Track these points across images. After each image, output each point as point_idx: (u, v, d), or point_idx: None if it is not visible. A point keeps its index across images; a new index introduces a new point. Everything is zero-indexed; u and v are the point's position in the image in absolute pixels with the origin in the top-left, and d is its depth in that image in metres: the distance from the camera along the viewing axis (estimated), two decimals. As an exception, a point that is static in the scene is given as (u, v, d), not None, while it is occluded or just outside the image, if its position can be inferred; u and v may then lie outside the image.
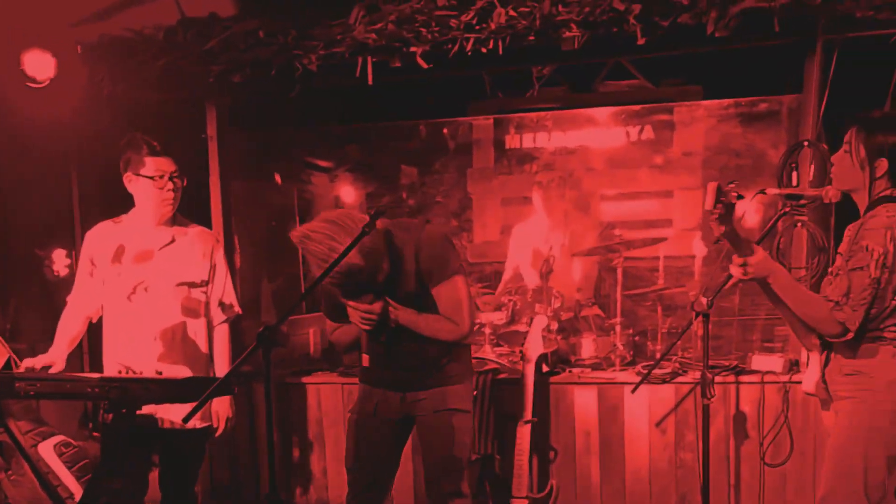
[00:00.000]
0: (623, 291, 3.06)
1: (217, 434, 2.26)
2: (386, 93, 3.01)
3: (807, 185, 2.58)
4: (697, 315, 2.17)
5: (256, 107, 3.37)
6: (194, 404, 1.60)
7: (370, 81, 2.79)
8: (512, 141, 4.12)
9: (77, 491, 2.57)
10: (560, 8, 2.57)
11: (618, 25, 2.54)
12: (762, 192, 2.02)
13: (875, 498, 1.67)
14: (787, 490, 2.63)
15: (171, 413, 2.15)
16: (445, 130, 4.23)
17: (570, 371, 2.84)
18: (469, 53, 2.66)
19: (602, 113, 3.98)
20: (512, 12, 2.60)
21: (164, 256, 2.20)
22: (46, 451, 2.63)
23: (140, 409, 1.93)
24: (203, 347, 2.26)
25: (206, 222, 3.04)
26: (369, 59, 2.76)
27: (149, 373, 2.13)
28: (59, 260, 3.28)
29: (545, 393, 2.75)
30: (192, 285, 2.22)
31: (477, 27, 2.64)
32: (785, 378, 2.61)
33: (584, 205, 3.82)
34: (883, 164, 1.71)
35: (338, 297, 1.90)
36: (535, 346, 2.63)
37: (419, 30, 2.68)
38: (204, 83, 2.98)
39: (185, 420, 1.61)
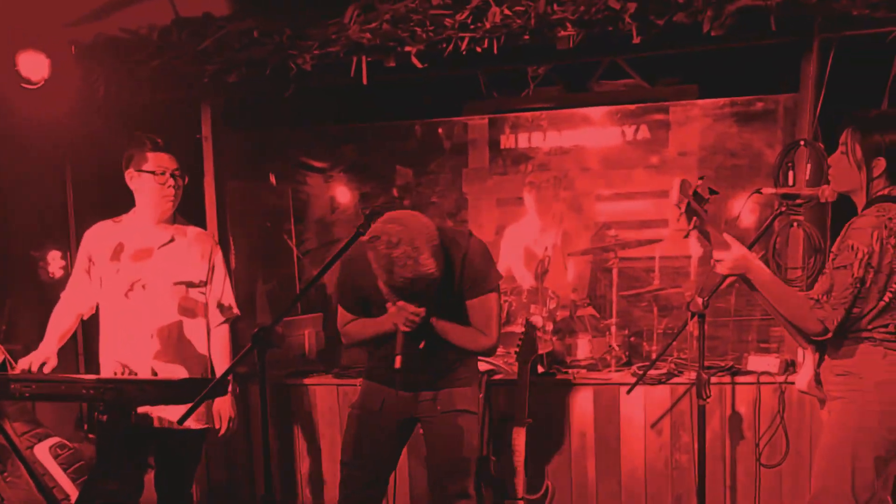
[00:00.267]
0: (619, 292, 3.06)
1: (220, 434, 2.27)
2: (381, 93, 3.01)
3: (803, 185, 2.58)
4: (693, 315, 2.16)
5: (251, 107, 3.36)
6: (190, 405, 1.59)
7: (365, 81, 2.78)
8: (507, 141, 4.12)
9: (73, 493, 2.56)
10: (555, 7, 2.56)
11: (613, 24, 2.53)
12: (758, 191, 2.01)
13: (863, 499, 1.67)
14: (782, 491, 2.63)
15: (167, 412, 2.15)
16: (440, 130, 4.23)
17: (565, 372, 2.84)
18: (464, 53, 2.65)
19: (597, 112, 3.98)
20: (507, 11, 2.59)
21: (162, 255, 2.21)
22: (42, 452, 2.63)
23: (135, 410, 1.93)
24: (200, 348, 2.27)
25: (200, 223, 3.04)
26: (364, 58, 2.75)
27: (145, 371, 2.13)
28: (54, 261, 3.28)
29: (541, 394, 2.74)
30: (189, 285, 2.23)
31: (472, 26, 2.63)
32: (781, 379, 2.61)
33: (579, 205, 3.82)
34: (880, 164, 1.70)
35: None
36: (530, 347, 2.62)
37: (414, 29, 2.68)
38: (198, 83, 2.97)
39: (181, 421, 1.61)
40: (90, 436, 3.07)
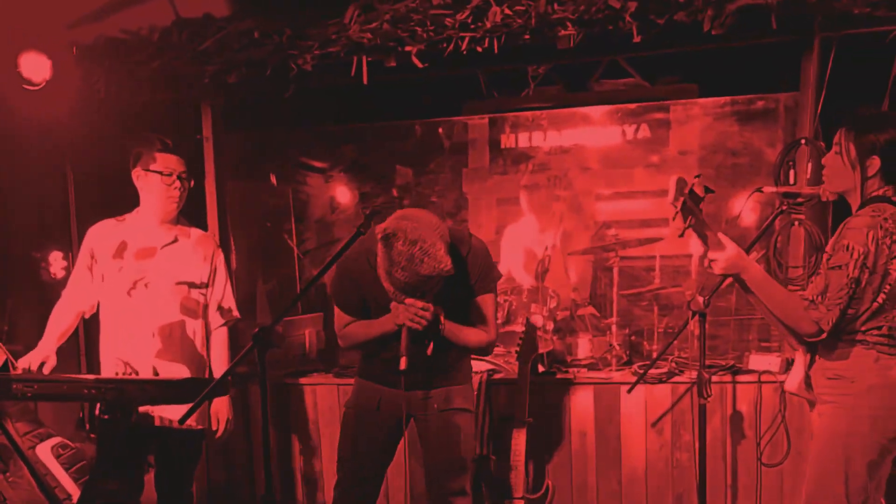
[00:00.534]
0: (619, 291, 3.06)
1: (217, 436, 2.27)
2: (381, 92, 3.01)
3: (804, 184, 2.57)
4: (694, 314, 2.16)
5: (251, 107, 3.37)
6: (190, 405, 1.60)
7: (365, 81, 2.78)
8: (507, 140, 4.12)
9: (75, 492, 2.57)
10: (555, 6, 2.56)
11: (613, 23, 2.53)
12: (759, 190, 2.00)
13: (857, 503, 1.66)
14: (783, 490, 2.63)
15: (168, 411, 2.15)
16: (440, 130, 4.23)
17: (566, 371, 2.84)
18: (464, 52, 2.65)
19: (598, 112, 3.98)
20: (507, 11, 2.59)
21: (166, 255, 2.22)
22: (44, 452, 2.63)
23: (136, 410, 1.94)
24: (200, 348, 2.28)
25: (201, 223, 3.05)
26: (364, 58, 2.76)
27: (146, 369, 2.14)
28: (56, 262, 3.28)
29: (541, 393, 2.74)
30: (191, 285, 2.24)
31: (472, 26, 2.63)
32: (782, 378, 2.60)
33: (579, 204, 3.82)
34: (875, 163, 1.69)
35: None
36: (531, 347, 2.62)
37: (414, 29, 2.68)
38: (199, 84, 2.97)
39: (182, 421, 1.61)
40: (92, 436, 3.08)
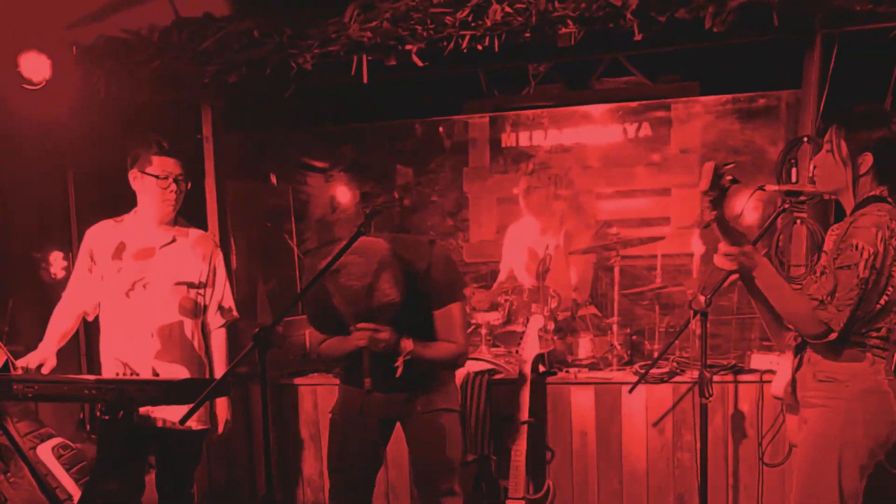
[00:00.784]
0: (620, 290, 3.05)
1: (215, 436, 2.27)
2: (381, 92, 3.00)
3: (806, 182, 2.54)
4: (695, 314, 2.15)
5: (251, 107, 3.37)
6: (191, 405, 1.59)
7: (365, 80, 2.78)
8: (508, 139, 4.12)
9: (76, 493, 2.56)
10: (556, 4, 2.55)
11: (614, 21, 2.52)
12: (761, 188, 1.98)
13: None
14: (785, 490, 2.62)
15: (168, 412, 2.15)
16: (441, 129, 4.23)
17: (566, 371, 2.83)
18: (464, 51, 2.65)
19: (599, 110, 3.97)
20: (508, 9, 2.58)
21: (164, 255, 2.22)
22: (45, 453, 2.63)
23: (137, 410, 1.93)
24: (199, 348, 2.27)
25: (201, 223, 3.04)
26: (364, 57, 2.75)
27: (146, 370, 2.13)
28: (56, 262, 3.28)
29: (542, 393, 2.74)
30: (190, 285, 2.24)
31: (472, 24, 2.62)
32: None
33: (580, 203, 3.81)
34: (867, 159, 1.66)
35: (340, 311, 1.87)
36: (531, 347, 2.62)
37: (414, 27, 2.67)
38: (199, 84, 2.97)
39: (182, 421, 1.61)
40: (92, 436, 3.08)
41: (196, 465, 2.36)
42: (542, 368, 2.77)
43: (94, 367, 2.94)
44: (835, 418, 1.66)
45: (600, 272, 3.48)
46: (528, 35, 2.60)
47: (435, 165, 4.23)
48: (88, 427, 3.18)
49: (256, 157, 3.89)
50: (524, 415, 2.57)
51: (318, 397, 2.97)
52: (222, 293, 2.31)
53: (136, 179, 2.18)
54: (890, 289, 1.62)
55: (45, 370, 2.11)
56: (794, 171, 2.62)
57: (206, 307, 2.28)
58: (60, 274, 3.26)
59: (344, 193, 4.37)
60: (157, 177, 2.15)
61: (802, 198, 2.16)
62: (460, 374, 2.76)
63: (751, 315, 3.20)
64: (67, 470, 2.61)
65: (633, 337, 3.15)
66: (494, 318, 3.01)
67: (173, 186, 2.17)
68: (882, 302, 1.63)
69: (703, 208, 1.58)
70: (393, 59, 2.73)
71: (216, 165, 3.15)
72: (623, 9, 2.48)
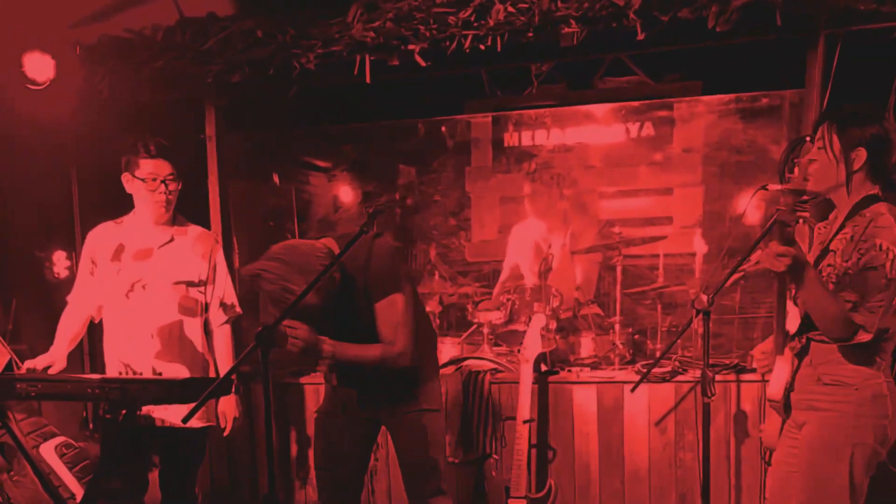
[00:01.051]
0: (623, 290, 3.05)
1: (225, 434, 2.27)
2: (384, 91, 3.00)
3: (801, 181, 2.55)
4: (698, 313, 2.13)
5: (254, 107, 3.37)
6: (193, 404, 1.60)
7: (368, 80, 2.78)
8: (510, 139, 4.12)
9: (78, 492, 2.57)
10: (559, 4, 2.55)
11: (617, 21, 2.52)
12: (764, 187, 1.97)
13: None
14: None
15: (170, 413, 2.16)
16: (443, 129, 4.24)
17: (568, 370, 2.83)
18: (467, 51, 2.65)
19: (601, 110, 3.97)
20: (510, 9, 2.58)
21: (162, 255, 2.22)
22: (48, 451, 2.64)
23: (140, 409, 1.94)
24: (200, 347, 2.27)
25: (204, 222, 3.04)
26: (367, 57, 2.75)
27: (146, 371, 2.14)
28: (60, 261, 3.29)
29: (544, 392, 2.74)
30: (189, 284, 2.24)
31: (475, 24, 2.63)
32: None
33: (583, 203, 3.81)
34: (861, 155, 1.65)
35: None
36: (533, 346, 2.62)
37: (417, 27, 2.67)
38: (202, 83, 2.98)
39: (185, 420, 1.61)
40: (95, 435, 3.09)
41: (199, 464, 2.36)
42: (544, 367, 2.77)
43: (97, 366, 2.95)
44: (844, 422, 1.64)
45: (603, 271, 3.48)
46: (530, 35, 2.60)
47: (437, 165, 4.24)
48: (91, 426, 3.19)
49: (259, 156, 3.89)
50: (526, 414, 2.57)
51: (320, 396, 2.96)
52: (224, 290, 2.31)
53: (128, 183, 2.19)
54: None
55: (52, 373, 2.12)
56: (796, 170, 2.62)
57: (207, 305, 2.29)
58: (64, 273, 3.27)
59: (346, 193, 4.37)
60: (143, 180, 2.15)
61: (805, 197, 2.15)
62: (462, 372, 2.78)
63: (753, 314, 3.20)
64: (70, 469, 2.62)
65: (636, 336, 3.15)
66: (496, 317, 3.01)
67: (162, 188, 2.16)
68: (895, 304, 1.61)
69: (788, 205, 1.52)
70: (396, 58, 2.73)
71: (219, 165, 3.15)
72: (626, 8, 2.48)
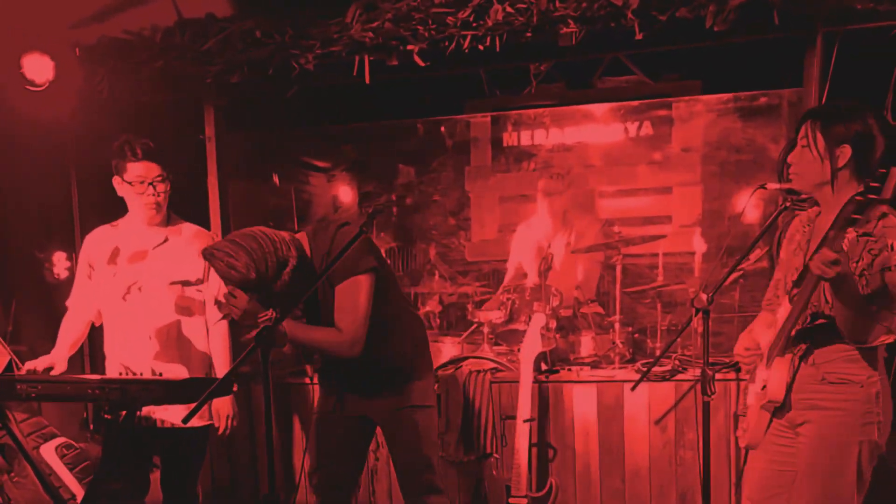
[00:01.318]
0: (622, 289, 3.05)
1: (220, 432, 2.27)
2: (383, 91, 3.01)
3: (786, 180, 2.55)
4: (697, 312, 2.14)
5: (254, 107, 3.37)
6: (194, 405, 1.60)
7: (367, 80, 2.78)
8: (509, 138, 4.13)
9: (79, 492, 2.57)
10: (557, 4, 2.56)
11: (615, 20, 2.53)
12: (762, 186, 1.98)
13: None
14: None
15: (170, 414, 2.16)
16: (443, 129, 4.24)
17: (569, 369, 2.84)
18: (466, 51, 2.65)
19: (600, 109, 3.98)
20: (509, 9, 2.59)
21: (157, 256, 2.22)
22: (48, 452, 2.64)
23: (140, 410, 1.94)
24: (199, 346, 2.27)
25: (204, 222, 3.04)
26: (366, 57, 2.76)
27: (147, 373, 2.14)
28: (60, 262, 3.29)
29: (544, 391, 2.74)
30: (185, 284, 2.23)
31: (474, 24, 2.63)
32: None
33: (582, 202, 3.81)
34: (846, 151, 1.64)
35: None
36: (533, 345, 2.62)
37: (416, 27, 2.68)
38: (201, 84, 2.98)
39: (185, 421, 1.61)
40: (96, 436, 3.09)
41: (200, 464, 2.36)
42: (544, 367, 2.77)
43: (98, 367, 2.95)
44: (851, 419, 1.65)
45: (603, 271, 3.48)
46: (529, 35, 2.60)
47: (437, 165, 4.24)
48: (92, 427, 3.18)
49: (258, 156, 3.89)
50: (526, 413, 2.57)
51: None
52: (218, 288, 2.28)
53: (119, 186, 2.19)
54: None
55: (53, 374, 2.12)
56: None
57: (203, 303, 2.28)
58: (64, 274, 3.27)
59: (346, 193, 4.37)
60: (130, 183, 2.15)
61: (804, 196, 2.16)
62: (462, 372, 2.78)
63: (753, 313, 3.19)
64: (71, 469, 2.62)
65: (636, 335, 3.15)
66: (496, 316, 3.02)
67: (150, 190, 2.15)
68: None
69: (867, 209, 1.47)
70: (395, 59, 2.74)
71: (219, 165, 3.16)
72: (624, 8, 2.48)
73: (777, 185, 2.07)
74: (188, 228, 2.30)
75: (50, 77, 2.71)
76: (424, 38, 2.67)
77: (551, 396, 2.76)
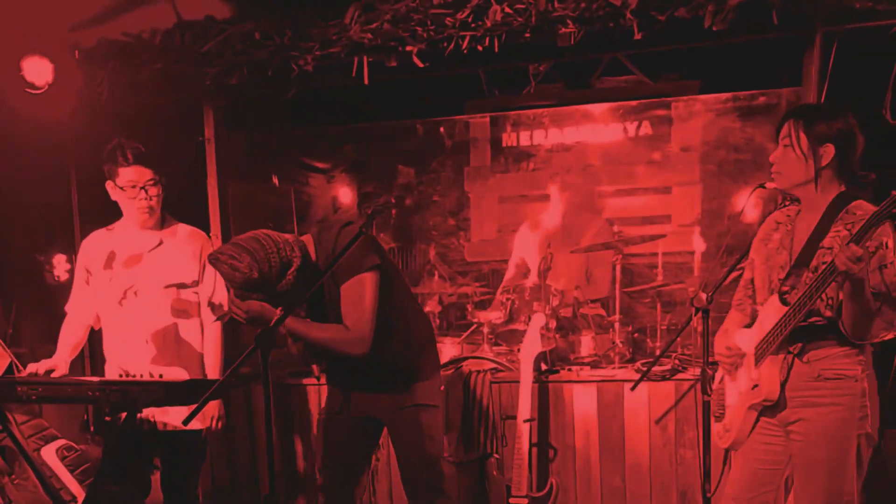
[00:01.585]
0: (622, 288, 3.05)
1: (203, 434, 2.26)
2: (382, 92, 3.01)
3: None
4: (697, 311, 2.15)
5: (253, 108, 3.37)
6: (194, 406, 1.60)
7: (366, 81, 2.79)
8: (509, 139, 4.13)
9: (80, 494, 2.57)
10: (556, 4, 2.56)
11: (614, 20, 2.53)
12: (761, 185, 1.98)
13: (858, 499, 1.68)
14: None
15: (170, 415, 2.16)
16: (442, 129, 4.24)
17: (569, 369, 2.84)
18: (465, 51, 2.65)
19: (599, 109, 3.98)
20: (508, 9, 2.59)
21: (152, 259, 2.22)
22: (49, 454, 2.64)
23: (141, 412, 1.94)
24: (198, 348, 2.27)
25: (204, 224, 3.05)
26: (365, 58, 2.76)
27: (145, 377, 2.14)
28: (60, 265, 3.29)
29: (544, 391, 2.74)
30: (181, 286, 2.23)
31: (473, 25, 2.63)
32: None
33: (582, 202, 3.81)
34: (829, 150, 1.66)
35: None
36: (533, 345, 2.63)
37: (415, 28, 2.68)
38: (200, 85, 2.98)
39: (186, 422, 1.61)
40: (96, 438, 3.09)
41: (200, 466, 2.36)
42: (544, 366, 2.78)
43: (98, 369, 2.95)
44: (848, 414, 1.66)
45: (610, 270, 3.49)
46: (528, 35, 2.60)
47: (436, 165, 4.25)
48: (92, 429, 3.19)
49: (258, 158, 3.90)
50: (526, 413, 2.57)
51: (321, 397, 2.97)
52: (213, 289, 2.28)
53: (112, 191, 2.18)
54: None
55: (54, 377, 2.12)
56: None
57: (199, 304, 2.27)
58: (64, 276, 3.27)
59: (346, 194, 4.38)
60: (122, 189, 2.14)
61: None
62: (463, 372, 2.78)
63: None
64: (72, 471, 2.62)
65: (635, 335, 3.15)
66: (496, 316, 3.02)
67: (142, 195, 2.14)
68: None
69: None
70: (393, 60, 2.74)
71: (218, 166, 3.16)
72: (623, 8, 2.48)
73: (776, 185, 2.07)
74: (183, 229, 2.29)
75: (49, 79, 2.72)
76: (423, 38, 2.67)
77: (551, 396, 2.76)
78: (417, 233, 4.32)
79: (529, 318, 2.75)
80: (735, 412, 1.84)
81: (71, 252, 3.31)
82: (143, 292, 2.20)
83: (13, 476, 2.60)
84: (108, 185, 2.18)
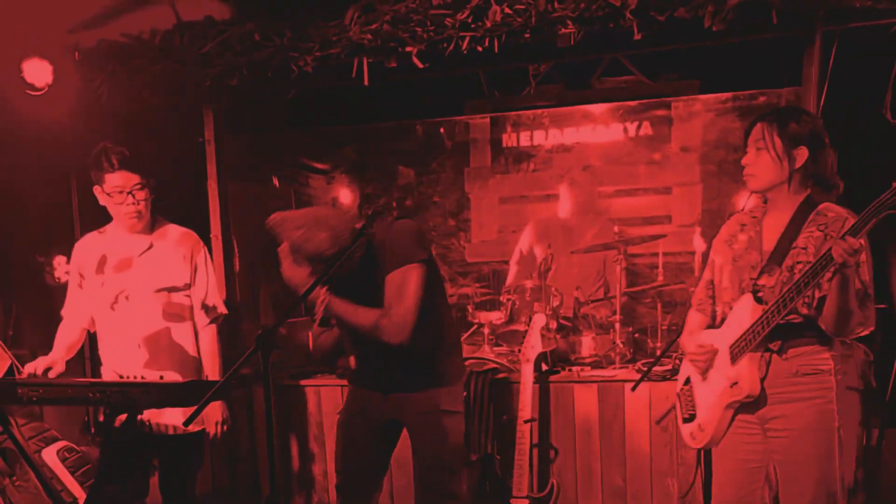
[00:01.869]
0: (623, 289, 3.05)
1: (210, 438, 2.27)
2: (382, 93, 3.01)
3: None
4: (697, 311, 2.15)
5: (253, 110, 3.37)
6: (194, 408, 1.60)
7: (366, 82, 2.79)
8: (509, 139, 4.13)
9: (81, 496, 2.57)
10: (556, 5, 2.56)
11: (614, 21, 2.53)
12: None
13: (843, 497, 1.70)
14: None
15: (164, 417, 2.16)
16: (442, 130, 4.24)
17: (569, 369, 2.84)
18: (465, 52, 2.65)
19: (599, 109, 3.98)
20: (507, 10, 2.59)
21: (142, 263, 2.21)
22: (50, 456, 2.64)
23: (141, 413, 1.94)
24: (191, 351, 2.27)
25: (204, 225, 3.05)
26: (365, 59, 2.76)
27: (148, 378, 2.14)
28: (60, 266, 3.30)
29: (545, 392, 2.74)
30: (172, 290, 2.22)
31: (472, 25, 2.63)
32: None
33: (582, 202, 3.81)
34: (802, 153, 1.70)
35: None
36: (534, 345, 2.62)
37: (414, 29, 2.68)
38: (200, 87, 2.98)
39: (186, 424, 1.61)
40: (97, 439, 3.09)
41: (198, 468, 2.36)
42: (544, 367, 2.77)
43: (97, 371, 2.95)
44: (828, 407, 1.70)
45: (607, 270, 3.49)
46: (527, 36, 2.60)
47: (436, 166, 4.25)
48: (93, 430, 3.19)
49: (258, 159, 3.90)
50: (527, 413, 2.57)
51: (321, 398, 2.98)
52: (205, 291, 2.28)
53: (100, 196, 2.17)
54: None
55: (52, 375, 2.12)
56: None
57: (191, 308, 2.26)
58: (64, 278, 3.27)
59: (346, 195, 4.38)
60: (109, 195, 2.13)
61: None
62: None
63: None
64: (72, 473, 2.62)
65: (636, 335, 3.15)
66: (497, 317, 3.02)
67: (130, 199, 2.12)
68: None
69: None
70: (393, 60, 2.74)
71: (218, 168, 3.16)
72: (622, 8, 2.48)
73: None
74: (174, 231, 2.27)
75: (49, 81, 2.72)
76: (423, 39, 2.67)
77: (552, 397, 2.76)
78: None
79: (530, 319, 2.75)
80: (711, 412, 1.83)
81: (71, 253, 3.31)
82: (134, 297, 2.19)
83: (14, 478, 2.60)
84: (96, 189, 2.16)
